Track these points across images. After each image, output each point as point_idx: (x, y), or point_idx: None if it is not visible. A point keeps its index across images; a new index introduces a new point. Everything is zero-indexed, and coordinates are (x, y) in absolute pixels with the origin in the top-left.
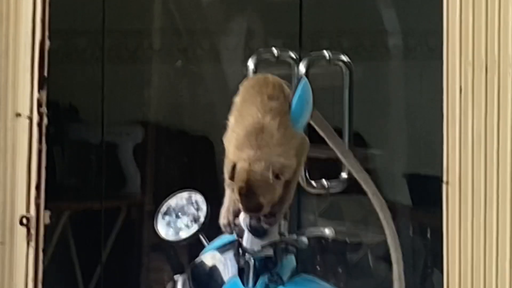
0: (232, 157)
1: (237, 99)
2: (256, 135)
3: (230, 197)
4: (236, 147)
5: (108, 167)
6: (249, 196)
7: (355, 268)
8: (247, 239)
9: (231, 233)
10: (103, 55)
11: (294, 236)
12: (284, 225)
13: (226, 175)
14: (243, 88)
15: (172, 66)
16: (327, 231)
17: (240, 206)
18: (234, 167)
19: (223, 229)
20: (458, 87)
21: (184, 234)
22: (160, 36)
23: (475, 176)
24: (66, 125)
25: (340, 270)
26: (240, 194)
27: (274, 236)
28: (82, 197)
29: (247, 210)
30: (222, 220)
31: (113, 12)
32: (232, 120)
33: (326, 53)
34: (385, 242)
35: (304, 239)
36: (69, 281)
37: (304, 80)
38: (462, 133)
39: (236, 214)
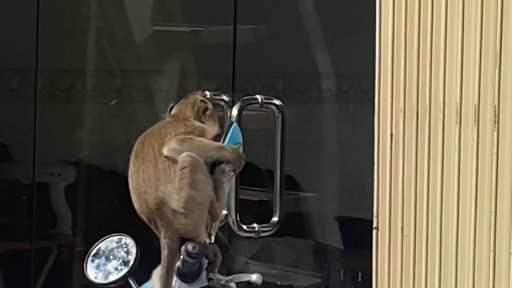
0: None
1: None
2: None
3: None
4: None
5: (39, 207)
6: None
7: None
8: (175, 284)
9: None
10: (36, 94)
11: (222, 281)
12: None
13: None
14: None
15: (105, 106)
16: (254, 277)
17: None
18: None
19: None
20: (389, 133)
21: (114, 277)
22: (94, 76)
23: (405, 222)
24: None
25: None
26: None
27: (202, 281)
28: (12, 237)
29: None
30: None
31: (47, 51)
32: None
33: (258, 96)
34: (316, 284)
35: (232, 285)
36: None
37: (234, 124)
38: (392, 179)
39: None
